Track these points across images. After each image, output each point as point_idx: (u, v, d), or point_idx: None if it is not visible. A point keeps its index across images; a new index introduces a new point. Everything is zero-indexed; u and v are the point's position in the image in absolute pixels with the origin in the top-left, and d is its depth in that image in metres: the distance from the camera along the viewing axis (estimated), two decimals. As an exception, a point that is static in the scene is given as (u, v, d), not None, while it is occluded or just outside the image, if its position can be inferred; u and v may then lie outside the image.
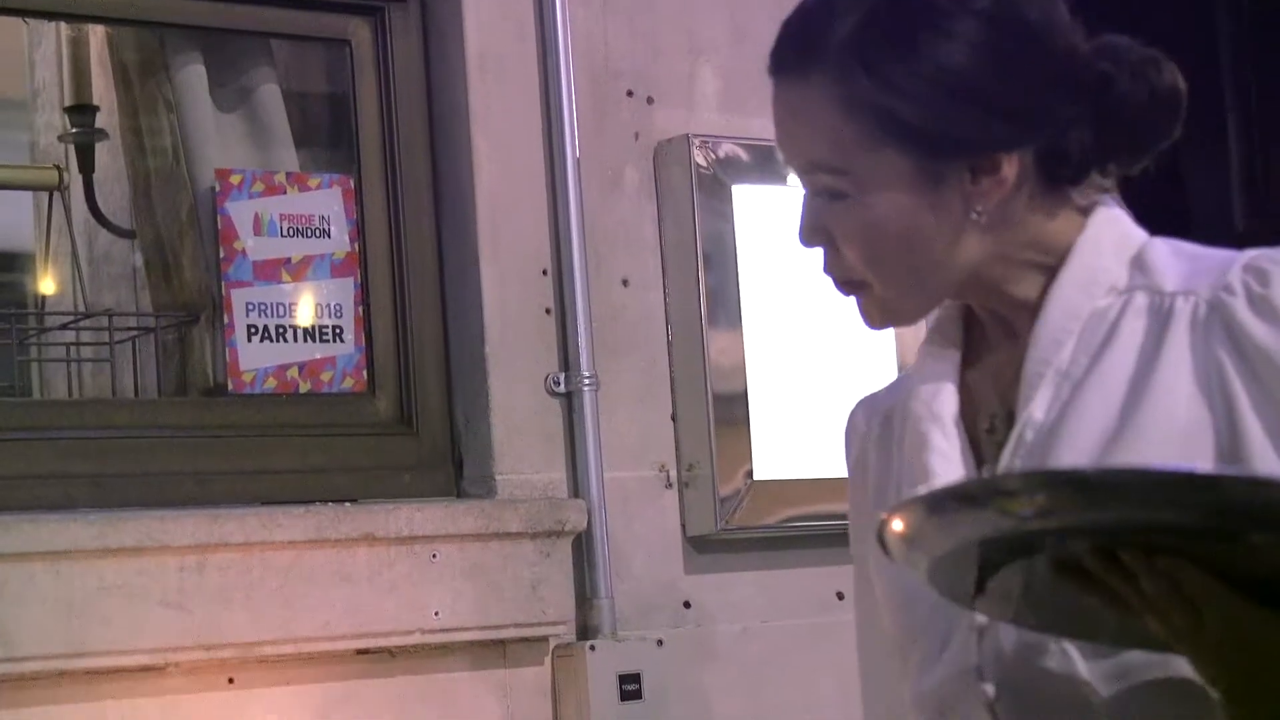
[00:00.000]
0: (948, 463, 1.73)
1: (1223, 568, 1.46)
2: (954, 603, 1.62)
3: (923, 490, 1.60)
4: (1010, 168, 1.65)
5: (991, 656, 1.67)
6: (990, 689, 1.67)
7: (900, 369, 3.51)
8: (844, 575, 3.29)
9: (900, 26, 1.64)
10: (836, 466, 3.36)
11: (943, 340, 1.79)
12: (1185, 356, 1.63)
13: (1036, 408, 1.67)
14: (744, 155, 3.46)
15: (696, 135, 3.43)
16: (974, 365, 1.77)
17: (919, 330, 3.47)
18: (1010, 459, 1.68)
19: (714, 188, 3.43)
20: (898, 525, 1.51)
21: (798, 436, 3.42)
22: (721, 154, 3.44)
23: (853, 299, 1.74)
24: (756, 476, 3.38)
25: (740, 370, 3.41)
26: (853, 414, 1.92)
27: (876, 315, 1.74)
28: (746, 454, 3.38)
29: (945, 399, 1.75)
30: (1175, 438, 1.61)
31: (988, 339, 1.77)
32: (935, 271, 1.69)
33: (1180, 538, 1.44)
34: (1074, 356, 1.67)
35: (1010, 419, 1.71)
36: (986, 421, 1.74)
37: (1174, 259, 1.69)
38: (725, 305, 3.42)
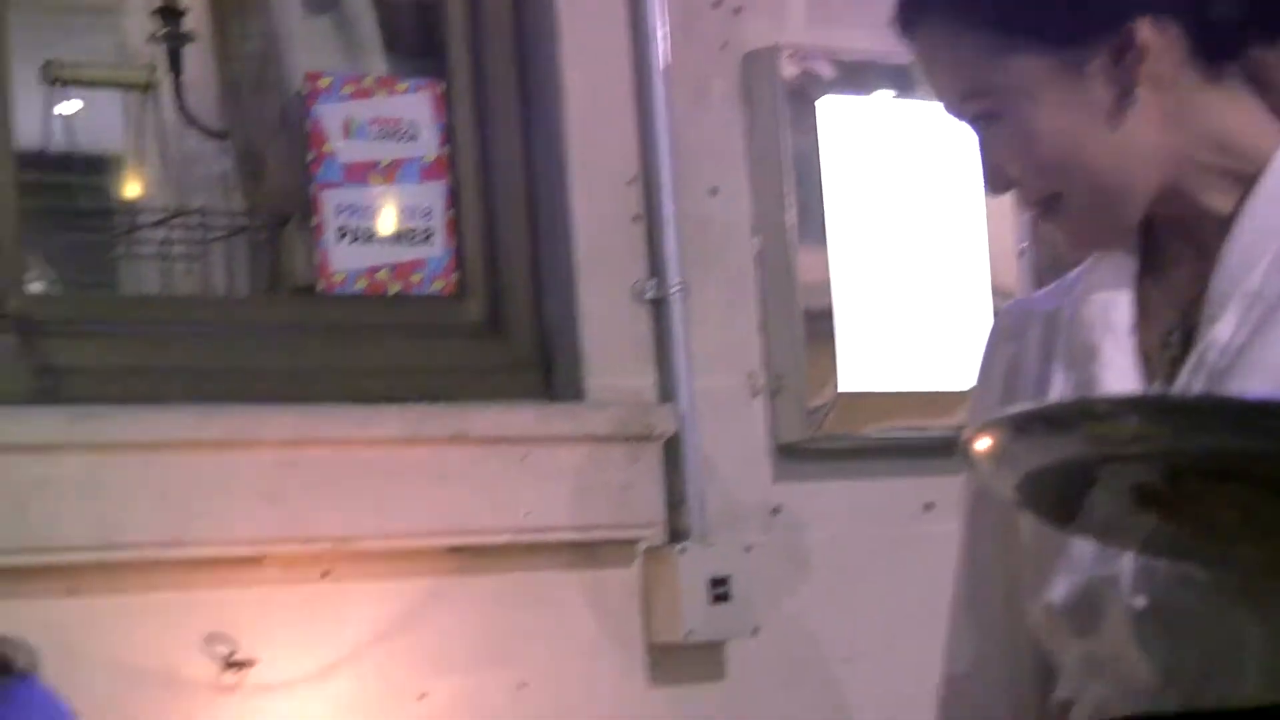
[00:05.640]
0: (1119, 376, 1.65)
1: None
2: (1044, 524, 1.56)
3: (1010, 410, 1.52)
4: (1147, 33, 1.59)
5: (1143, 566, 1.58)
6: (1141, 601, 1.58)
7: (993, 289, 3.47)
8: (931, 488, 3.34)
9: None
10: (925, 380, 3.39)
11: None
12: None
13: (1222, 328, 1.59)
14: (832, 68, 3.44)
15: (785, 46, 3.40)
16: (1151, 276, 1.69)
17: (1007, 250, 3.47)
18: (1189, 378, 1.60)
19: (801, 100, 3.41)
20: (983, 443, 1.47)
21: (884, 350, 3.39)
22: (810, 66, 3.42)
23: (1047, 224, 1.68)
24: (842, 389, 3.35)
25: (826, 285, 3.38)
26: (1002, 318, 1.84)
27: (1074, 235, 1.67)
28: (832, 368, 3.35)
29: (1121, 308, 1.67)
30: None
31: (1167, 250, 1.69)
32: (1116, 175, 1.62)
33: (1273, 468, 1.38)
34: (1267, 277, 1.59)
35: (1188, 336, 1.63)
36: (1161, 336, 1.66)
37: None
38: (811, 218, 3.39)
